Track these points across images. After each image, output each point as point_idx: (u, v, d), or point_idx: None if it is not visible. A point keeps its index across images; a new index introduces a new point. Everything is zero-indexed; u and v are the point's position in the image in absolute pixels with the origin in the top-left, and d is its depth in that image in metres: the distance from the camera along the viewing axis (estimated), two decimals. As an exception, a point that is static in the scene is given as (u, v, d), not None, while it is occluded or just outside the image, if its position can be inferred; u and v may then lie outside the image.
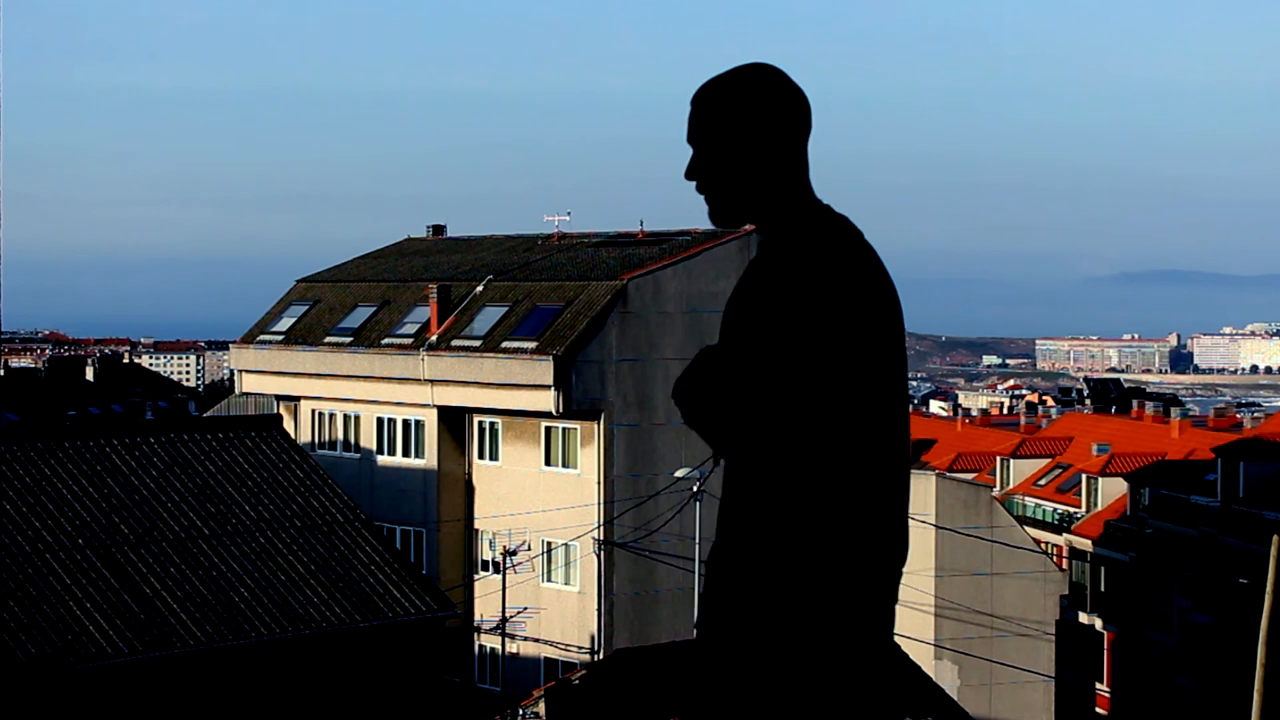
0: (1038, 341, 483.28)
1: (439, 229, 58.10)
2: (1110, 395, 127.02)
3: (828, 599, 3.79)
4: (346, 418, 49.04)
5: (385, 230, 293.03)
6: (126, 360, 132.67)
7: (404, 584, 30.24)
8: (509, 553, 44.20)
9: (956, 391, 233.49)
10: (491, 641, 45.73)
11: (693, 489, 41.65)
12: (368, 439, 48.44)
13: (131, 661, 26.14)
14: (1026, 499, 72.44)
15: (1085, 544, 67.27)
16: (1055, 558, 62.38)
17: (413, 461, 47.26)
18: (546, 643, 44.57)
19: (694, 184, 3.91)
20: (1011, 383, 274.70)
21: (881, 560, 3.82)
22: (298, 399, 50.08)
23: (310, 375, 49.54)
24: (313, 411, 49.86)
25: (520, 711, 29.34)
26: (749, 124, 3.82)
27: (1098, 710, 66.61)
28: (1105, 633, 66.60)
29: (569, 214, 53.44)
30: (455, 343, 46.44)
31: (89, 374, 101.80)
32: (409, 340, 47.66)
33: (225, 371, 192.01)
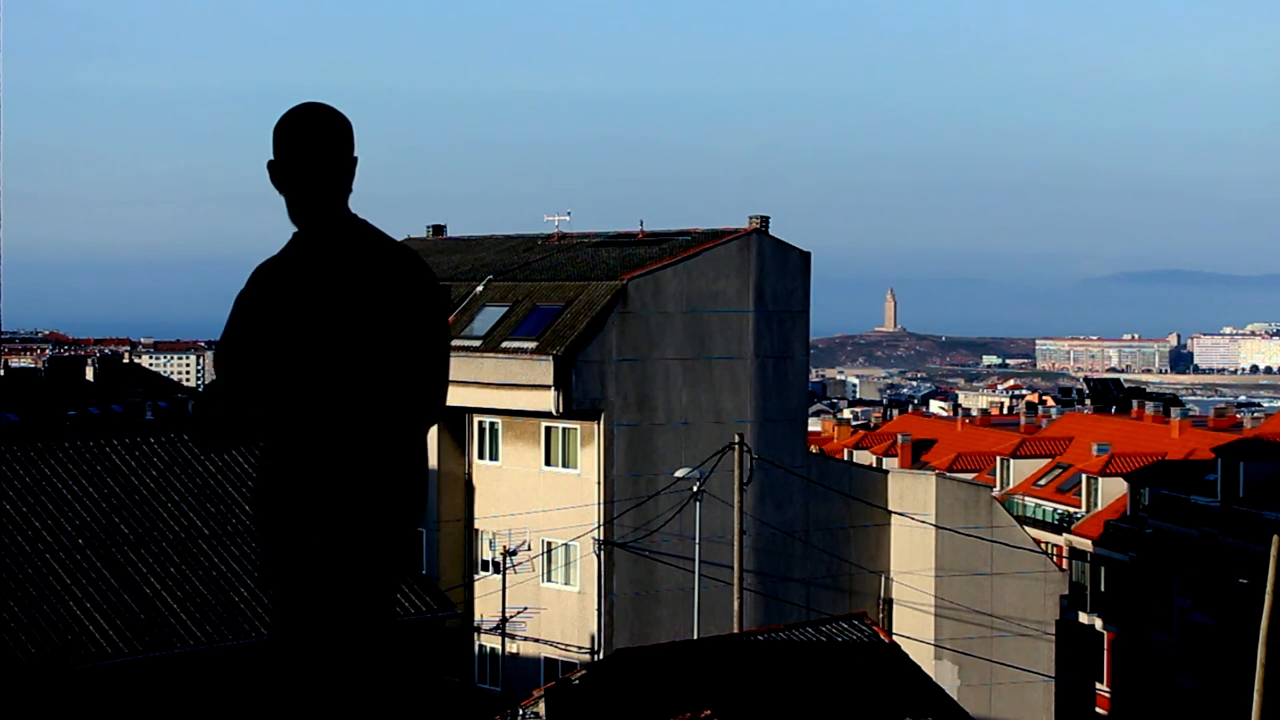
0: (1038, 341, 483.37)
1: (439, 229, 58.07)
2: (1110, 395, 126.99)
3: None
4: (346, 418, 49.02)
5: (385, 230, 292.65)
6: (126, 360, 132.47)
7: (404, 584, 30.23)
8: (509, 553, 44.22)
9: (956, 391, 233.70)
10: (491, 641, 45.73)
11: (693, 489, 41.66)
12: (368, 439, 48.40)
13: (131, 661, 26.14)
14: (1026, 499, 72.42)
15: (1085, 544, 67.27)
16: (1055, 558, 62.38)
17: (413, 461, 47.21)
18: (546, 643, 44.57)
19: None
20: (1011, 383, 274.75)
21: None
22: (298, 399, 50.04)
23: (310, 375, 49.49)
24: (313, 411, 49.83)
25: (520, 711, 29.29)
26: (303, 153, 4.85)
27: (1098, 710, 66.62)
28: (1105, 633, 66.60)
29: (569, 214, 53.33)
30: (455, 342, 46.40)
31: (89, 374, 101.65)
32: (409, 340, 47.61)
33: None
